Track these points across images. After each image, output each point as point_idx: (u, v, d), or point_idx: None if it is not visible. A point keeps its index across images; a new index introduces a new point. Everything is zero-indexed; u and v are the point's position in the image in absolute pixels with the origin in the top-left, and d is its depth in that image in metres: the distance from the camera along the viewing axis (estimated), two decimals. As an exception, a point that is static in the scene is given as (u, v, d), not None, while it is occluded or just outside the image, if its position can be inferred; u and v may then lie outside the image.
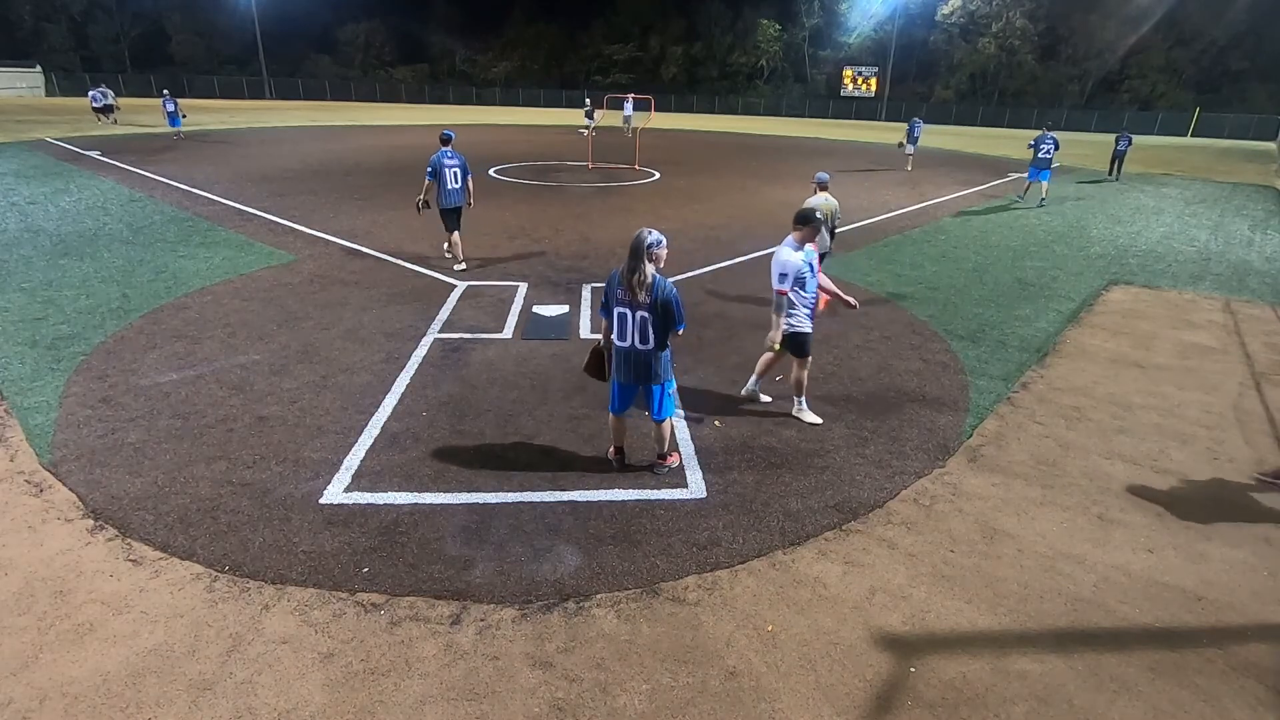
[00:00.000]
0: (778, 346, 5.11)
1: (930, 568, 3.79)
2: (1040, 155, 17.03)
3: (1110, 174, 23.05)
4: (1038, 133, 17.40)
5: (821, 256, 8.06)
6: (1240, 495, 4.64)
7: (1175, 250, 12.26)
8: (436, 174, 8.97)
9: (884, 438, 5.20)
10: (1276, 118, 46.85)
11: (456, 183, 9.11)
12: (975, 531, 4.13)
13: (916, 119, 24.22)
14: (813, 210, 5.13)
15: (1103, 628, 3.41)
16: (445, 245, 9.71)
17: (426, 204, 9.31)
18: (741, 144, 32.70)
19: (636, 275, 4.04)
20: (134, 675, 2.93)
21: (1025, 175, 17.93)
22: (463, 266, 9.40)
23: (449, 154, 9.06)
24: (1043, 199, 17.34)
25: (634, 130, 29.37)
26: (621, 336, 4.22)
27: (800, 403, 5.46)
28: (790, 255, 4.99)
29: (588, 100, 32.95)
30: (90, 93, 31.43)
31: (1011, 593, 3.62)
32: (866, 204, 16.01)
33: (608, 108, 29.36)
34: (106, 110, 29.94)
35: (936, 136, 41.45)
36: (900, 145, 23.59)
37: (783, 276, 4.97)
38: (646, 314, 4.09)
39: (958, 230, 13.37)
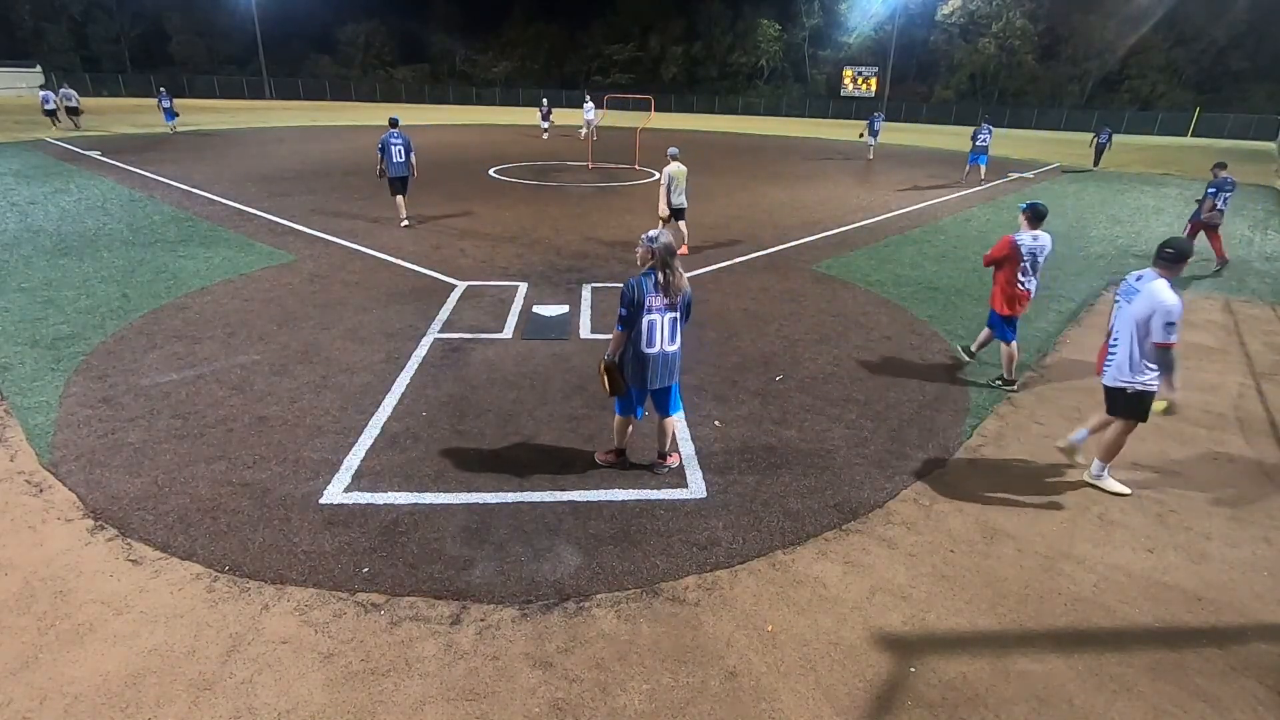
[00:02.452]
0: (1167, 408, 4.29)
1: (930, 568, 3.79)
2: (978, 143, 20.00)
3: (1094, 165, 25.41)
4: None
5: (681, 212, 10.47)
6: (1240, 495, 4.64)
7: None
8: (385, 150, 11.40)
9: (884, 438, 5.20)
10: (1276, 118, 46.80)
11: (401, 157, 11.53)
12: (975, 531, 4.13)
13: (876, 114, 26.63)
14: (1188, 245, 4.41)
15: (1103, 628, 3.41)
16: (397, 212, 12.06)
17: (382, 173, 11.62)
18: (741, 144, 32.70)
19: (677, 278, 4.13)
20: (134, 675, 2.93)
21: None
22: (406, 224, 11.91)
23: (395, 135, 11.45)
24: (982, 180, 20.16)
25: (593, 133, 28.32)
26: (651, 343, 4.18)
27: (1103, 469, 4.68)
28: (1175, 299, 4.12)
29: (544, 100, 31.25)
30: (43, 94, 27.52)
31: (1011, 593, 3.62)
32: (867, 204, 16.01)
33: (608, 108, 29.31)
34: (73, 112, 27.01)
35: (937, 136, 41.46)
36: (861, 136, 26.19)
37: (1170, 326, 4.10)
38: (675, 314, 4.22)
39: (958, 230, 13.37)
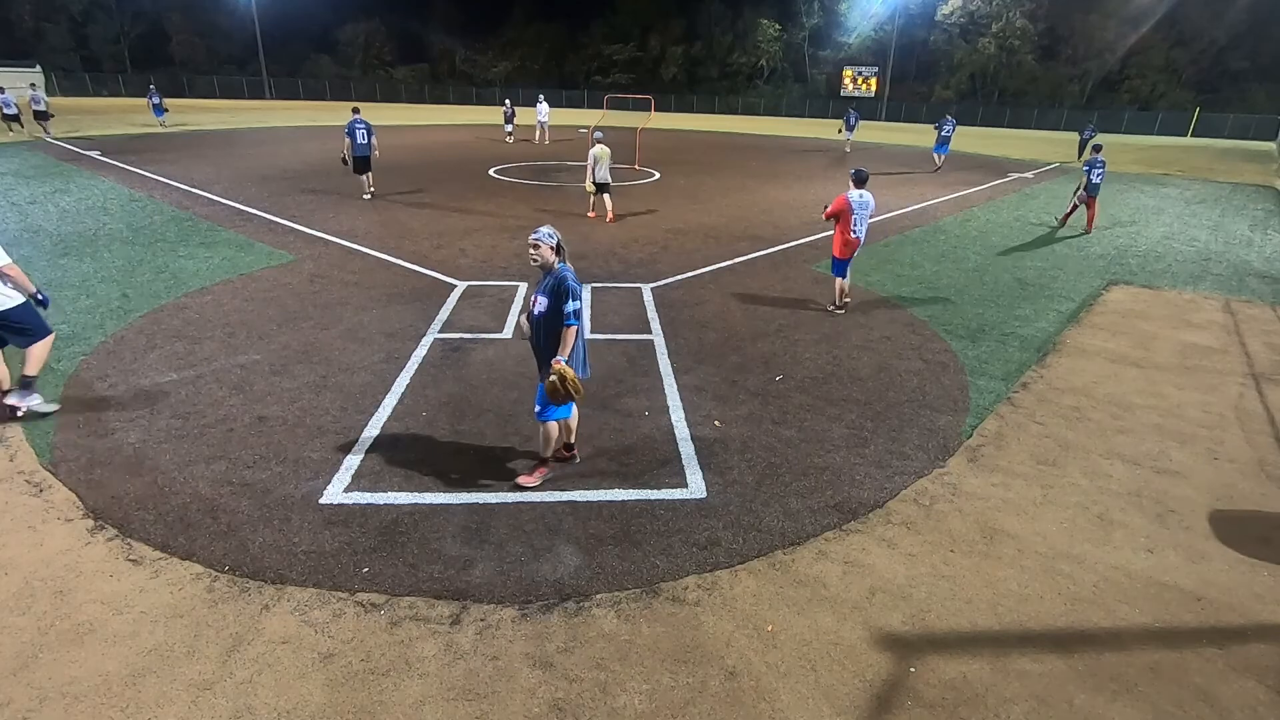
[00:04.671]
0: None
1: (930, 568, 3.79)
2: (942, 134, 22.30)
3: (1079, 158, 27.34)
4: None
5: (606, 186, 12.58)
6: (1240, 495, 4.64)
7: (1175, 250, 12.26)
8: (351, 134, 13.61)
9: (884, 438, 5.20)
10: (1276, 118, 46.76)
11: (364, 139, 13.75)
12: (975, 531, 4.13)
13: (852, 111, 29.28)
14: None
15: (1103, 628, 3.41)
16: (366, 188, 14.32)
17: (345, 159, 13.97)
18: (741, 144, 32.69)
19: None
20: (134, 675, 2.93)
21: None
22: (369, 196, 14.17)
23: (359, 121, 13.70)
24: (939, 167, 22.63)
25: (545, 134, 27.38)
26: (582, 331, 4.28)
27: None
28: None
29: (507, 102, 29.62)
30: (1, 97, 23.56)
31: (1011, 593, 3.62)
32: (866, 204, 15.99)
33: (609, 108, 29.19)
34: (40, 116, 23.75)
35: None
36: (840, 132, 29.37)
37: None
38: None
39: (958, 230, 13.37)
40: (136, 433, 4.90)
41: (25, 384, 5.03)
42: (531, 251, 4.03)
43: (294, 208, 13.16)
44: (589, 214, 13.11)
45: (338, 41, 73.60)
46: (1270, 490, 4.72)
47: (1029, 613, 3.48)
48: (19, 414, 4.99)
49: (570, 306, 3.98)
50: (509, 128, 28.46)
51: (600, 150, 12.28)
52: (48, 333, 5.15)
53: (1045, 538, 4.09)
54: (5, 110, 23.69)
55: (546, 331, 4.10)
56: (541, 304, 4.05)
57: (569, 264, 4.17)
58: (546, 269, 4.08)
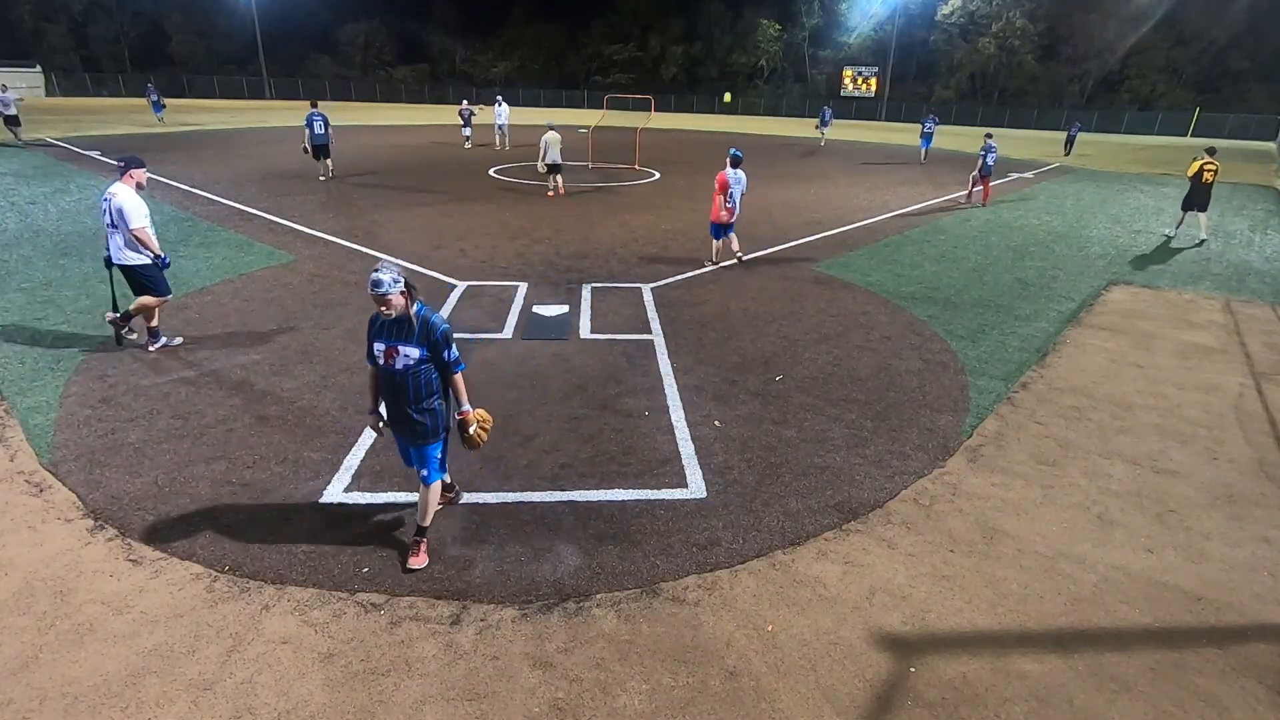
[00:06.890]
0: None
1: (930, 568, 3.79)
2: (925, 130, 25.65)
3: (1066, 153, 30.11)
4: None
5: (557, 168, 14.91)
6: (1240, 495, 4.64)
7: (1175, 250, 12.26)
8: (309, 125, 15.54)
9: (884, 438, 5.20)
10: (1276, 118, 46.74)
11: (321, 129, 15.69)
12: (975, 531, 4.13)
13: (825, 108, 32.25)
14: None
15: (1103, 628, 3.41)
16: (320, 172, 16.46)
17: (306, 148, 15.88)
18: (742, 144, 32.66)
19: None
20: (134, 675, 2.94)
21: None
22: (324, 179, 16.32)
23: (316, 114, 15.59)
24: (924, 160, 25.69)
25: (506, 138, 24.72)
26: None
27: None
28: None
29: (464, 102, 25.98)
30: None
31: (1011, 593, 3.62)
32: (867, 204, 16.00)
33: (609, 108, 29.16)
34: (11, 121, 21.43)
35: (936, 136, 41.39)
36: (817, 127, 31.51)
37: None
38: None
39: (958, 230, 13.36)
40: (136, 433, 4.90)
41: (124, 320, 6.22)
42: (383, 310, 3.29)
43: (294, 208, 13.15)
44: (548, 194, 15.13)
45: (338, 41, 73.56)
46: (1270, 490, 4.72)
47: (1029, 613, 3.49)
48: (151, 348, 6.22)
49: (454, 352, 3.50)
50: (467, 131, 24.96)
51: (550, 137, 14.66)
52: (166, 293, 6.25)
53: (1045, 538, 4.09)
54: None
55: (417, 382, 3.48)
56: (410, 355, 3.39)
57: (423, 301, 3.50)
58: (402, 317, 3.40)
